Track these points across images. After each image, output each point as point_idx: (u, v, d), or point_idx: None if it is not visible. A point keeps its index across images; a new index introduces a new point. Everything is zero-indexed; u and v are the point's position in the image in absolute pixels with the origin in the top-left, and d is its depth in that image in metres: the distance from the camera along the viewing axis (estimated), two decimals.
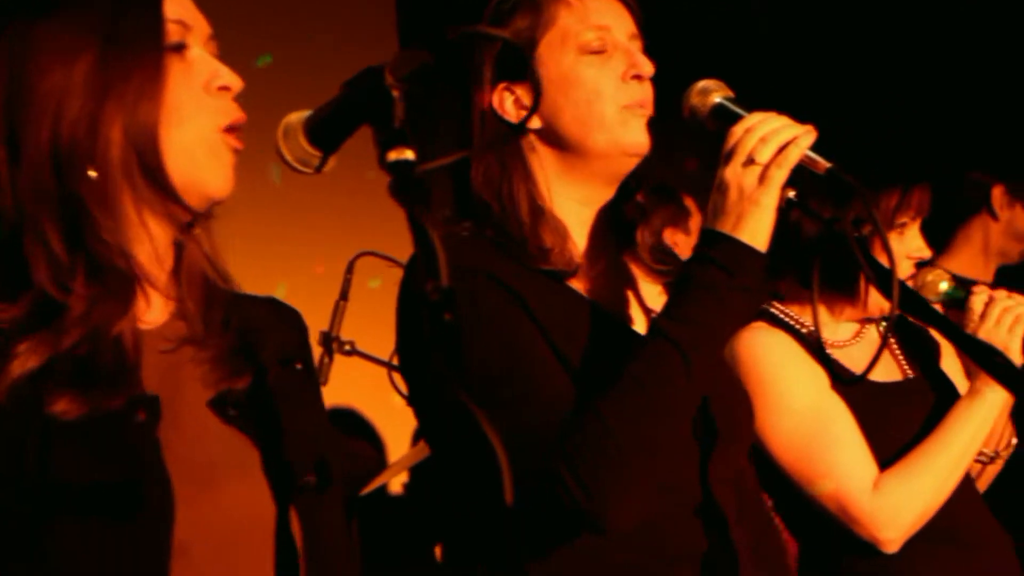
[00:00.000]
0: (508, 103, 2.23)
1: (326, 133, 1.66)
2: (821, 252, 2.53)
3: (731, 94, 2.19)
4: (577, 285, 2.22)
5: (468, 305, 2.09)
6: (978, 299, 2.91)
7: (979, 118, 5.22)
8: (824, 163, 2.08)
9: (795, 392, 2.82)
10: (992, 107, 5.26)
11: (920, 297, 2.51)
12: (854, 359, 2.89)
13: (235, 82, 1.80)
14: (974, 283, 3.02)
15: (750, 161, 2.06)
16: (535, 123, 2.22)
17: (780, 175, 2.05)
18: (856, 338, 2.97)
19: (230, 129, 1.78)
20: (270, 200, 4.19)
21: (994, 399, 2.80)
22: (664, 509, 2.11)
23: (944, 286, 2.98)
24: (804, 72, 5.29)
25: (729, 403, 2.24)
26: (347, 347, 4.08)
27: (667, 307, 2.10)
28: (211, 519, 1.71)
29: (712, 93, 2.18)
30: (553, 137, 2.23)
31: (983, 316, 2.88)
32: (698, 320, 2.06)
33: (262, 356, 1.84)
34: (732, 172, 2.08)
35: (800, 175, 2.08)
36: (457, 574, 2.27)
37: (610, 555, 2.10)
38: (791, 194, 2.10)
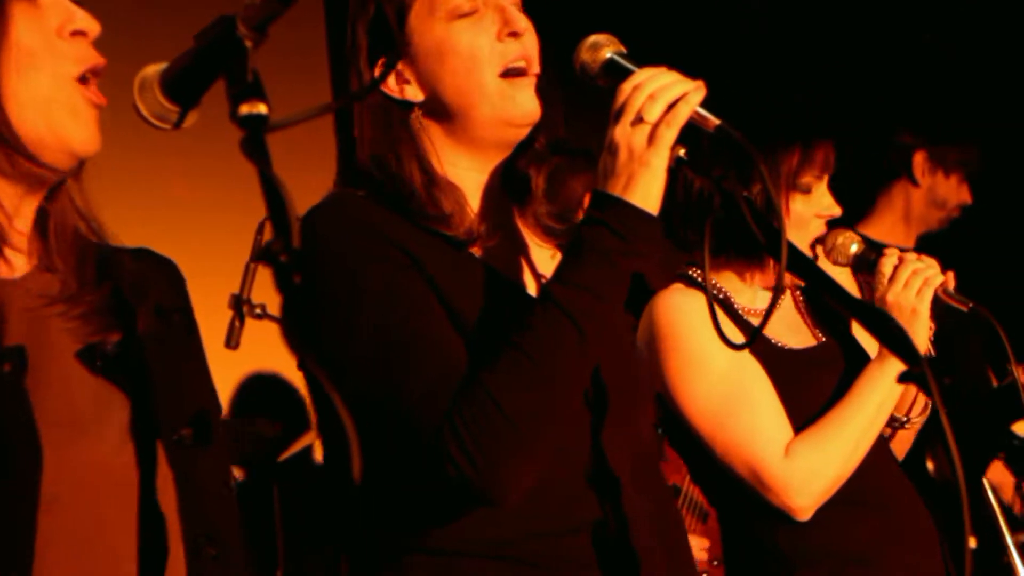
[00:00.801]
0: (390, 78, 2.17)
1: (181, 87, 1.58)
2: (712, 213, 2.48)
3: (623, 49, 2.10)
4: (472, 248, 2.17)
5: (361, 264, 2.05)
6: (887, 261, 2.88)
7: (902, 81, 5.20)
8: (714, 120, 2.00)
9: (712, 355, 2.76)
10: (915, 70, 5.24)
11: (809, 260, 2.46)
12: (769, 327, 2.83)
13: (91, 26, 1.71)
14: (885, 246, 2.99)
15: (639, 120, 1.99)
16: (418, 96, 2.17)
17: (670, 134, 1.99)
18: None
19: (85, 79, 1.70)
20: (177, 157, 4.12)
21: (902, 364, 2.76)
22: (556, 478, 2.07)
23: (854, 248, 2.94)
24: (720, 31, 5.26)
25: (621, 368, 2.20)
26: (258, 310, 4.02)
27: (559, 271, 2.04)
28: (80, 471, 1.67)
29: (603, 48, 2.10)
30: (438, 109, 2.17)
31: (892, 279, 2.85)
32: (590, 287, 2.00)
33: (138, 308, 1.79)
34: (621, 132, 2.01)
35: (692, 133, 2.02)
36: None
37: (502, 525, 2.05)
38: (681, 152, 2.04)
